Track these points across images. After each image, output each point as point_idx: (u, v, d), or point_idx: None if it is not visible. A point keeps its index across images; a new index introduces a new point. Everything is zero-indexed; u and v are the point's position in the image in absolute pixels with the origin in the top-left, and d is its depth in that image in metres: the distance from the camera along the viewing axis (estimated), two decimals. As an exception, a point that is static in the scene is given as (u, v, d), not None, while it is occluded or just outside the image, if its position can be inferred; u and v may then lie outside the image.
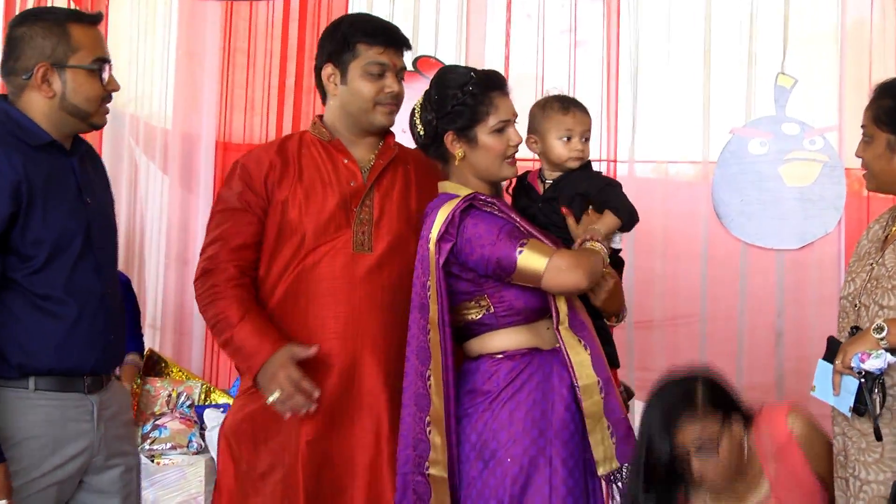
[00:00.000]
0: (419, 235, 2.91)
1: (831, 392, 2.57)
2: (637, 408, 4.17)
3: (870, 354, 2.45)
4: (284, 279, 2.93)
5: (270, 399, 2.74)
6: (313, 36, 4.62)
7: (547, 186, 3.00)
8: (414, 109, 2.82)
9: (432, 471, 2.71)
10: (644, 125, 4.44)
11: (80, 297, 2.60)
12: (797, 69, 4.36)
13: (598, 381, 2.73)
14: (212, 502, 2.99)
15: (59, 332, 2.57)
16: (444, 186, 2.83)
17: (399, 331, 2.91)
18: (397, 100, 2.94)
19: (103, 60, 2.62)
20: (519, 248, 2.65)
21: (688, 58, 4.45)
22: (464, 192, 2.79)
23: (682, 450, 2.65)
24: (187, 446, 4.05)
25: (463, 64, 4.50)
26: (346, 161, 2.96)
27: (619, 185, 2.99)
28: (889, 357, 2.45)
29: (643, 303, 4.43)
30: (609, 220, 2.81)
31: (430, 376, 2.72)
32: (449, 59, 4.56)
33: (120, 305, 2.76)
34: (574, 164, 2.98)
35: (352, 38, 2.90)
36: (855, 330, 2.59)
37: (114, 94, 2.71)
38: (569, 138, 2.95)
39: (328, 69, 2.92)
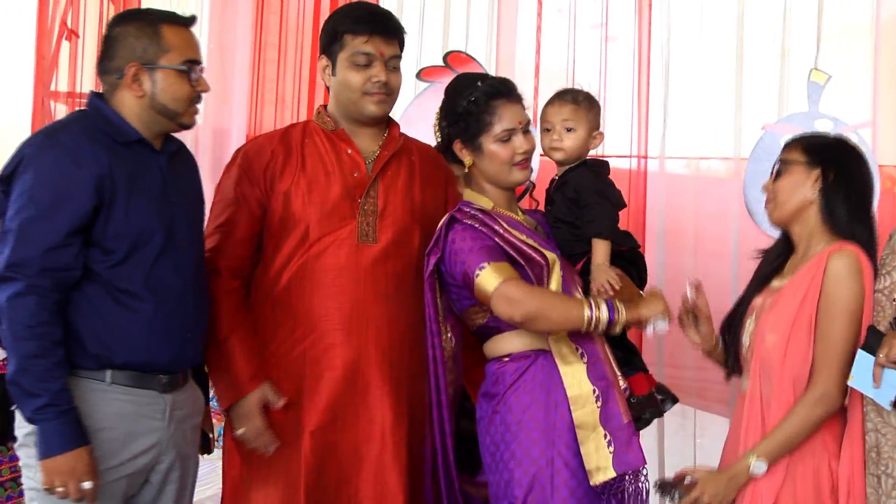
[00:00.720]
0: (423, 226, 2.97)
1: (871, 383, 2.57)
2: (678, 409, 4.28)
3: None
4: (289, 268, 2.95)
5: (238, 433, 2.86)
6: None
7: (549, 187, 3.10)
8: (437, 114, 2.90)
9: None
10: (675, 121, 4.41)
11: (158, 293, 2.66)
12: (831, 65, 4.29)
13: (594, 390, 2.73)
14: (222, 495, 3.05)
15: (135, 326, 2.63)
16: (465, 193, 2.89)
17: (404, 321, 2.96)
18: (387, 88, 2.95)
19: (193, 62, 2.70)
20: (480, 267, 2.70)
21: (720, 53, 4.41)
22: (482, 200, 2.85)
23: None
24: (217, 440, 4.09)
25: (493, 59, 4.56)
26: (349, 151, 2.98)
27: (606, 203, 3.00)
28: None
29: (673, 300, 4.33)
30: (652, 306, 2.76)
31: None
32: (479, 54, 4.59)
33: (201, 304, 2.80)
34: (556, 156, 3.07)
35: (339, 28, 2.96)
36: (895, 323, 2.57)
37: None
38: (548, 129, 3.06)
39: (322, 62, 3.01)
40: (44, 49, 5.06)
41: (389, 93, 2.97)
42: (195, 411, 2.85)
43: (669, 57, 4.42)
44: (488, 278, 2.69)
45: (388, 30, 2.98)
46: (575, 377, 2.75)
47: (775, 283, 2.84)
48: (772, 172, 2.89)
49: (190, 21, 2.78)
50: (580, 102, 3.08)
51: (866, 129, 4.27)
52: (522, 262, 2.75)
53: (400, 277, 2.96)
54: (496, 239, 2.76)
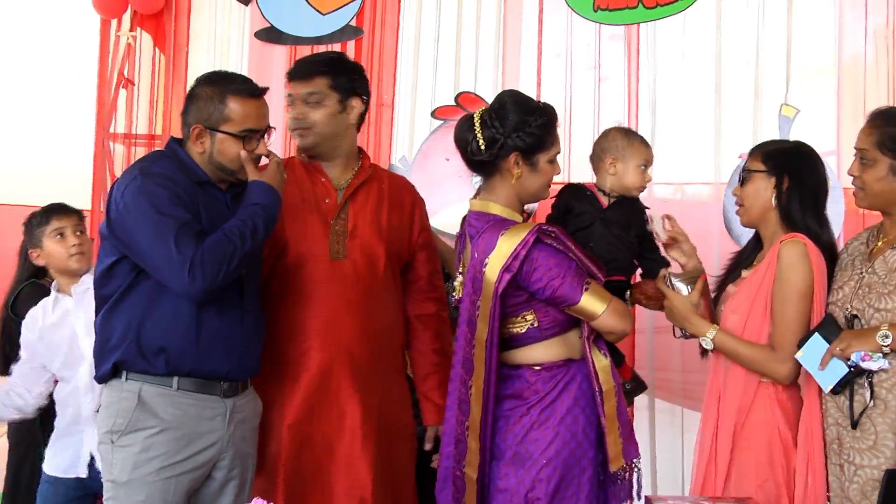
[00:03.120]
0: (389, 245, 3.19)
1: (817, 365, 2.79)
2: (642, 402, 4.44)
3: (871, 356, 2.70)
4: (273, 282, 3.14)
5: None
6: (367, 76, 4.86)
7: (612, 202, 3.21)
8: (472, 122, 2.85)
9: (467, 470, 2.83)
10: (662, 150, 4.34)
11: (223, 310, 2.81)
12: (799, 100, 4.48)
13: (615, 386, 2.87)
14: None
15: (202, 339, 2.78)
16: (489, 207, 2.86)
17: (371, 329, 3.17)
18: (304, 123, 3.16)
19: (252, 131, 2.83)
20: (585, 288, 2.76)
21: (700, 90, 4.60)
22: (516, 216, 2.86)
23: None
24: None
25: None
26: (322, 180, 3.20)
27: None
28: (885, 363, 2.71)
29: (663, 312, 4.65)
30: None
31: (471, 386, 2.80)
32: (487, 93, 4.65)
33: (258, 320, 2.95)
34: (638, 192, 3.26)
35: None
36: (854, 319, 2.81)
37: None
38: (645, 167, 3.24)
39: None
40: (104, 96, 5.24)
41: (308, 127, 3.16)
42: (254, 414, 2.98)
43: (655, 94, 4.65)
44: (594, 299, 2.76)
45: (299, 73, 3.21)
46: (606, 372, 2.85)
47: (744, 274, 3.04)
48: (739, 179, 3.09)
49: (259, 92, 2.87)
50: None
51: (832, 156, 4.35)
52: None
53: (368, 289, 3.16)
54: (571, 255, 2.80)
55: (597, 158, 3.27)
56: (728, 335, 2.95)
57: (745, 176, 3.06)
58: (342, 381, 3.13)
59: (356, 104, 3.25)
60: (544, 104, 2.92)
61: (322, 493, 3.11)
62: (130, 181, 2.76)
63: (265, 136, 2.88)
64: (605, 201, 3.23)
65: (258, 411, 3.01)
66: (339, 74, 3.22)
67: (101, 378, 2.84)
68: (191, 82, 2.96)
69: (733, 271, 3.13)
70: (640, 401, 4.46)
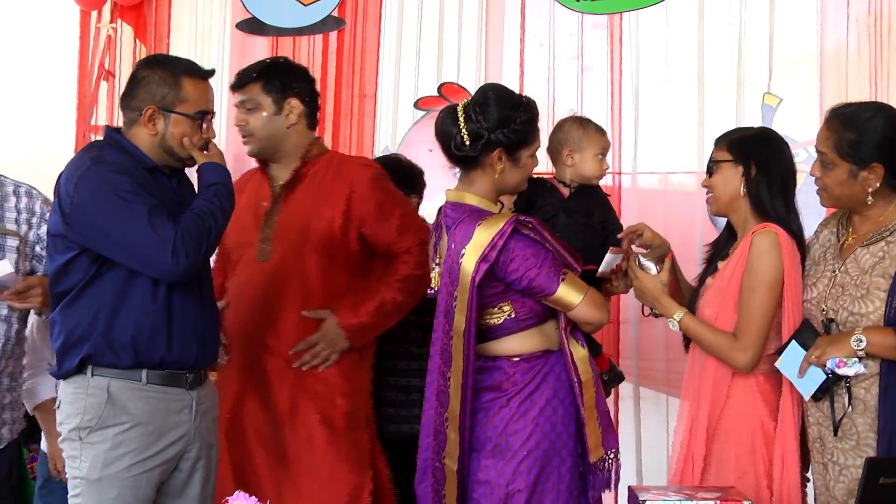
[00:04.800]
0: (316, 245, 3.23)
1: (796, 372, 2.78)
2: (627, 391, 4.45)
3: (846, 363, 2.71)
4: (223, 285, 3.32)
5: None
6: (350, 67, 4.95)
7: (571, 191, 3.28)
8: (455, 116, 2.82)
9: (447, 461, 2.83)
10: (645, 140, 4.63)
11: (187, 298, 2.82)
12: (782, 89, 4.50)
13: (593, 377, 2.88)
14: None
15: (174, 327, 2.79)
16: (465, 197, 2.86)
17: (291, 328, 3.26)
18: (244, 130, 3.29)
19: (205, 113, 2.85)
20: (561, 279, 2.77)
21: (683, 80, 4.59)
22: (492, 207, 2.85)
23: None
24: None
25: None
26: (264, 183, 3.33)
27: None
28: (861, 367, 2.72)
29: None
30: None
31: (450, 377, 2.79)
32: (470, 84, 4.73)
33: (215, 311, 2.98)
34: (597, 181, 3.33)
35: None
36: (830, 323, 2.81)
37: None
38: (602, 156, 3.30)
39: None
40: (84, 88, 5.24)
41: (248, 133, 3.27)
42: (214, 404, 3.00)
43: (639, 84, 4.64)
44: (571, 290, 2.77)
45: (236, 83, 3.33)
46: (584, 363, 2.86)
47: (720, 265, 3.05)
48: (707, 170, 3.11)
49: (208, 74, 2.91)
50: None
51: (813, 145, 4.33)
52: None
53: (290, 290, 3.24)
54: (548, 246, 2.82)
55: (554, 150, 3.31)
56: (694, 319, 2.96)
57: (711, 166, 3.07)
58: (263, 375, 3.25)
59: (294, 104, 3.31)
60: (527, 98, 2.92)
61: (250, 479, 3.24)
62: (83, 172, 2.72)
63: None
64: (565, 192, 3.27)
65: (216, 401, 3.04)
66: (271, 79, 3.29)
67: (65, 374, 2.81)
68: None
69: (711, 264, 3.13)
70: (626, 390, 4.47)
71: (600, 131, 3.35)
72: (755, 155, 3.01)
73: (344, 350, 3.30)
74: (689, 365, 3.09)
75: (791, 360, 2.82)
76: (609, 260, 3.04)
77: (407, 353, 3.79)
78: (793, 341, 2.83)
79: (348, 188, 3.32)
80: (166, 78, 2.81)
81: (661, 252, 3.09)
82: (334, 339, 3.28)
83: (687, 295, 3.15)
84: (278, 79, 3.29)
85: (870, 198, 2.81)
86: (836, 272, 2.85)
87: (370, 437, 3.42)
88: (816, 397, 2.80)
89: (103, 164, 2.72)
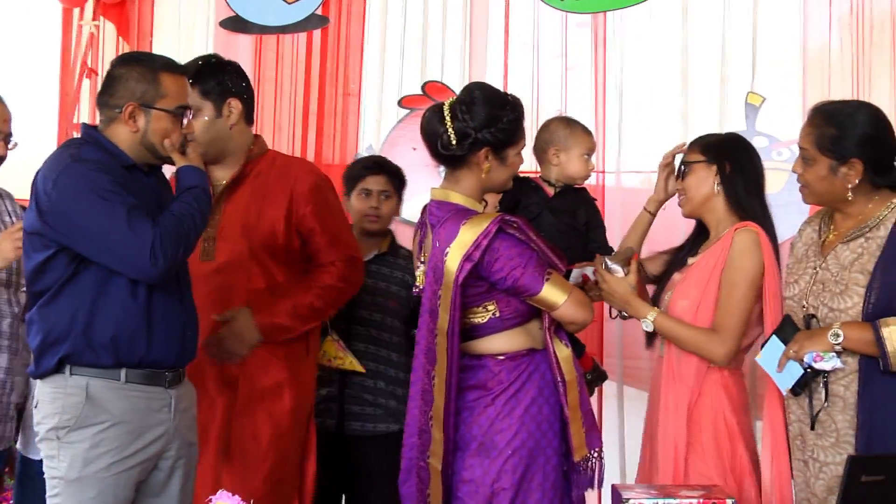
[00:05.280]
0: (257, 244, 3.23)
1: (776, 367, 2.85)
2: (611, 390, 4.45)
3: (823, 357, 2.75)
4: None
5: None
6: (334, 65, 4.93)
7: (557, 191, 3.28)
8: (441, 115, 2.83)
9: (431, 460, 2.83)
10: (629, 139, 4.63)
11: (167, 296, 2.81)
12: (765, 88, 4.51)
13: (577, 376, 2.90)
14: None
15: (154, 326, 2.78)
16: (449, 196, 2.87)
17: None
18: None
19: (185, 107, 2.85)
20: (546, 279, 2.78)
21: (667, 79, 4.59)
22: (477, 206, 2.86)
23: None
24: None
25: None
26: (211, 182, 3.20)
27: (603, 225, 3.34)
28: (837, 362, 2.76)
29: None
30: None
31: (434, 376, 2.80)
32: (454, 82, 4.73)
33: (193, 308, 2.97)
34: (582, 181, 3.33)
35: None
36: (811, 319, 2.85)
37: None
38: (588, 156, 3.31)
39: None
40: (67, 86, 5.21)
41: (193, 138, 3.09)
42: (192, 403, 3.00)
43: (623, 83, 4.63)
44: (555, 290, 2.79)
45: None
46: (568, 362, 2.86)
47: (690, 261, 3.10)
48: (678, 173, 3.16)
49: (185, 70, 2.93)
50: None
51: (796, 143, 4.48)
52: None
53: (231, 288, 3.26)
54: (533, 245, 2.83)
55: (540, 150, 3.32)
56: (668, 318, 3.00)
57: (684, 168, 3.13)
58: (207, 374, 3.25)
59: (234, 105, 3.29)
60: (513, 97, 2.93)
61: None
62: (62, 170, 2.70)
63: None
64: (550, 191, 3.28)
65: (195, 399, 3.05)
66: (206, 81, 3.25)
67: (43, 373, 2.80)
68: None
69: (678, 259, 3.17)
70: (609, 389, 4.47)
71: (587, 132, 3.37)
72: (729, 155, 3.10)
73: (253, 346, 3.29)
74: (666, 357, 3.11)
75: (771, 355, 2.87)
76: (574, 275, 3.05)
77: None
78: (773, 336, 2.87)
79: (290, 189, 3.33)
80: (145, 74, 2.80)
81: (627, 255, 3.12)
82: (243, 334, 3.27)
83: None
84: (214, 80, 3.26)
85: (850, 194, 2.83)
86: (818, 269, 2.88)
87: (310, 432, 3.46)
88: (795, 392, 2.83)
89: (83, 162, 2.70)
